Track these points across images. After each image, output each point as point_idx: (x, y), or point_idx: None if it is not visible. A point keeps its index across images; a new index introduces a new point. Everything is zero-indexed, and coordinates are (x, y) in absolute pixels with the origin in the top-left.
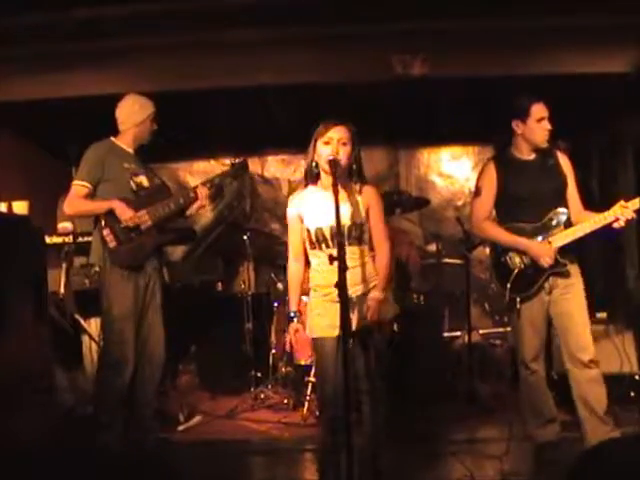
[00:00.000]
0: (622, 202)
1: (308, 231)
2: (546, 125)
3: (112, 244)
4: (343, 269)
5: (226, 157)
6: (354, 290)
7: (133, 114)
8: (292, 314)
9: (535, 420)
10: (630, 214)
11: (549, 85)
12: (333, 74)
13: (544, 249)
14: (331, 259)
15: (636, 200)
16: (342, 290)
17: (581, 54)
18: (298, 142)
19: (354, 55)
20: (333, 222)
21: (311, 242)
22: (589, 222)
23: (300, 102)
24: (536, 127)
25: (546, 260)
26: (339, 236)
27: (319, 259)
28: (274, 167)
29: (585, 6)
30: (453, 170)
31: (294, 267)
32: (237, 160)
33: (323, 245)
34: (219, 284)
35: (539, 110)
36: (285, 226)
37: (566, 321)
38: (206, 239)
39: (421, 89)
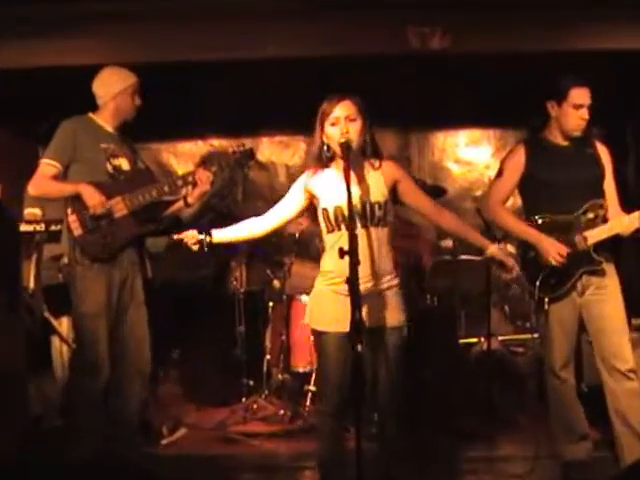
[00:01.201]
0: None
1: (325, 211)
2: (583, 114)
3: (77, 232)
4: (355, 264)
5: (215, 138)
6: (365, 284)
7: (110, 85)
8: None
9: (565, 436)
10: None
11: (583, 63)
12: (340, 47)
13: (555, 245)
14: (341, 253)
15: None
16: (353, 287)
17: (615, 29)
18: (297, 122)
19: (364, 26)
20: (354, 200)
21: (329, 223)
22: (627, 218)
23: (301, 78)
24: (572, 113)
25: (556, 258)
26: (351, 226)
27: (337, 243)
28: (270, 150)
29: None
30: (472, 156)
31: (256, 220)
32: (240, 147)
33: (342, 225)
34: (208, 281)
35: (579, 95)
36: None
37: (601, 325)
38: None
39: (438, 65)
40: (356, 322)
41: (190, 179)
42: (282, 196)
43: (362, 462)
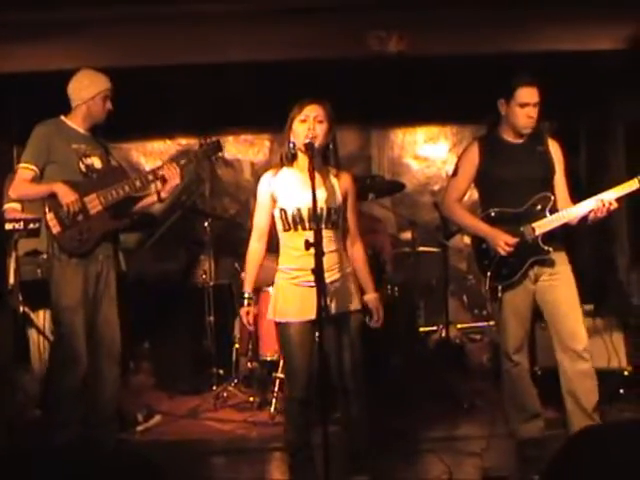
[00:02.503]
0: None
1: (284, 211)
2: (530, 112)
3: (55, 229)
4: (320, 255)
5: (183, 137)
6: (329, 275)
7: (82, 90)
8: (246, 295)
9: (518, 415)
10: (611, 204)
11: (536, 63)
12: (303, 51)
13: (502, 236)
14: (307, 244)
15: (619, 187)
16: (318, 276)
17: (568, 31)
18: (262, 122)
19: (326, 30)
20: (310, 203)
21: (286, 223)
22: (571, 209)
23: (266, 79)
24: (519, 111)
25: (504, 248)
26: (316, 221)
27: (293, 241)
28: (235, 148)
29: None
30: (429, 152)
31: (256, 247)
32: (209, 139)
33: (299, 227)
34: (178, 274)
35: (525, 94)
36: (248, 211)
37: (555, 309)
38: (162, 225)
39: (396, 67)
40: (322, 309)
41: (160, 173)
42: (247, 192)
43: (328, 444)
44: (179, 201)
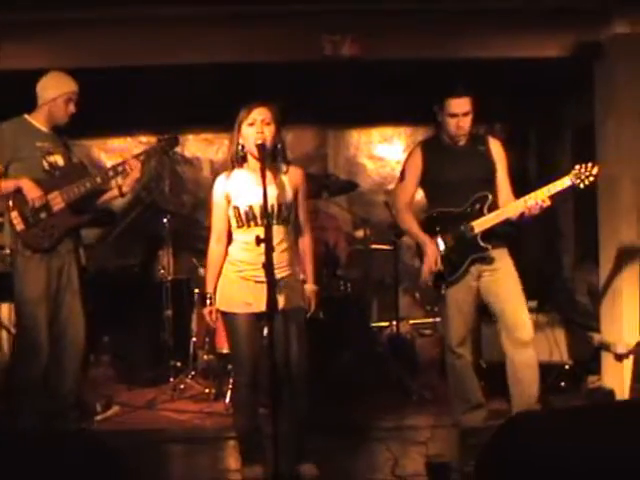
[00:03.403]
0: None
1: (237, 209)
2: (459, 122)
3: (19, 227)
4: (270, 250)
5: (143, 135)
6: (278, 271)
7: (46, 90)
8: (208, 295)
9: (461, 406)
10: (545, 201)
11: (488, 68)
12: (259, 54)
13: (432, 256)
14: (258, 240)
15: (553, 184)
16: (268, 272)
17: (519, 38)
18: (221, 121)
19: (283, 34)
20: (262, 201)
21: (239, 220)
22: (507, 207)
23: (225, 81)
24: (449, 121)
25: (430, 267)
26: (267, 218)
27: (245, 237)
28: (195, 146)
29: None
30: (384, 152)
31: (216, 249)
32: (166, 135)
33: (252, 223)
34: (137, 269)
35: (454, 105)
36: (207, 208)
37: (500, 302)
38: (122, 221)
39: (352, 69)
40: (271, 303)
41: (120, 169)
42: (206, 190)
43: (277, 432)
44: (139, 197)
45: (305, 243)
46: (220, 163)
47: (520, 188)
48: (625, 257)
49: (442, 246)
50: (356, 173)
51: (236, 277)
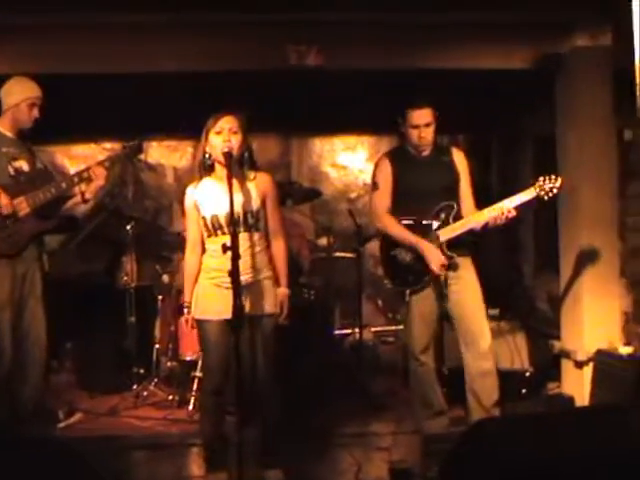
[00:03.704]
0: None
1: (204, 219)
2: (421, 133)
3: None
4: (236, 258)
5: (107, 141)
6: (245, 277)
7: (9, 95)
8: (186, 304)
9: (424, 412)
10: (512, 210)
11: (450, 79)
12: (226, 63)
13: (436, 256)
14: (224, 248)
15: (518, 196)
16: (234, 278)
17: (482, 50)
18: (185, 128)
19: (249, 43)
20: (228, 209)
21: (207, 229)
22: (473, 217)
23: (190, 88)
24: (411, 132)
25: (438, 268)
26: (233, 226)
27: (215, 246)
28: (159, 153)
29: (484, 2)
30: (347, 161)
31: (191, 259)
32: (131, 142)
33: (219, 232)
34: (100, 275)
35: (416, 117)
36: (169, 215)
37: (461, 311)
38: (85, 228)
39: (315, 78)
40: (237, 309)
41: (85, 175)
42: (170, 196)
43: (243, 439)
44: (102, 203)
45: (278, 248)
46: (184, 170)
47: (482, 198)
48: (585, 265)
49: (408, 254)
50: (319, 181)
51: (209, 284)
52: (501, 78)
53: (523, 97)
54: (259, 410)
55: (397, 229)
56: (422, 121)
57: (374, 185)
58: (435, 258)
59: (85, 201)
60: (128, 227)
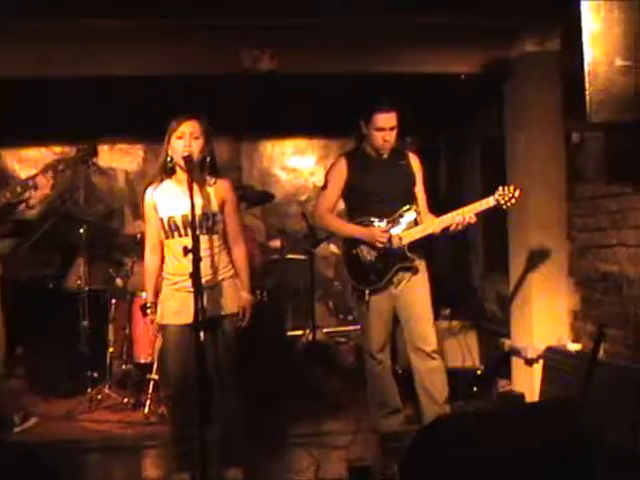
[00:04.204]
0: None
1: (161, 220)
2: (386, 136)
3: None
4: (197, 260)
5: (58, 145)
6: (206, 279)
7: None
8: (148, 304)
9: (380, 411)
10: (473, 216)
11: (400, 83)
12: (180, 67)
13: (377, 232)
14: (185, 250)
15: (480, 202)
16: (196, 281)
17: (431, 55)
18: (136, 132)
19: (203, 47)
20: (185, 211)
21: (165, 231)
22: (437, 220)
23: (141, 92)
24: (375, 135)
25: (380, 241)
26: (194, 229)
27: (172, 248)
28: (110, 157)
29: (434, 6)
30: (297, 164)
31: (150, 259)
32: (85, 145)
33: (175, 234)
34: (52, 280)
35: (381, 120)
36: (121, 219)
37: (409, 313)
38: (36, 232)
39: (265, 82)
40: (199, 311)
41: (30, 184)
42: (121, 200)
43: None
44: (53, 207)
45: (239, 254)
46: (135, 173)
47: (430, 200)
48: (534, 265)
49: (370, 253)
50: (270, 184)
51: (170, 290)
52: (449, 81)
53: (471, 100)
54: (222, 410)
55: (336, 224)
56: (387, 124)
57: (324, 184)
58: (373, 234)
59: (29, 207)
60: (81, 230)
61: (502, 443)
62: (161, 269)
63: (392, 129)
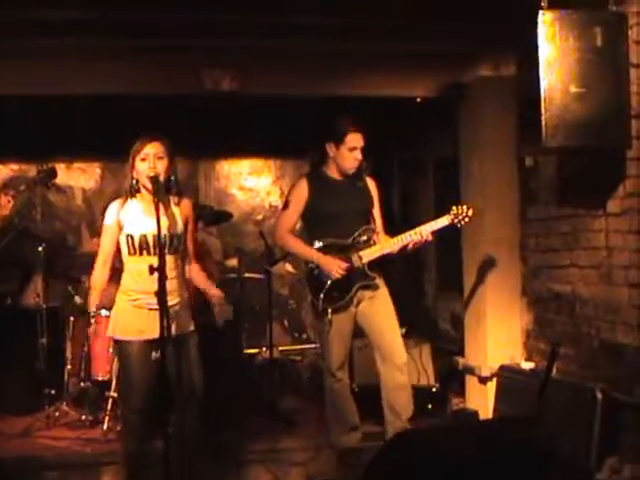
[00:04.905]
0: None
1: (130, 237)
2: (357, 155)
3: None
4: (164, 279)
5: (15, 163)
6: (170, 299)
7: None
8: (92, 313)
9: (339, 427)
10: (428, 235)
11: (355, 104)
12: (141, 87)
13: (333, 262)
14: (151, 269)
15: (435, 222)
16: (162, 299)
17: (388, 79)
18: (94, 150)
19: (164, 68)
20: (154, 230)
21: (132, 248)
22: (395, 239)
23: (100, 111)
24: (347, 155)
25: (337, 271)
26: (161, 248)
27: (137, 265)
28: (67, 175)
29: (389, 32)
30: (254, 184)
31: (101, 271)
32: (45, 166)
33: (145, 252)
34: (9, 297)
35: (353, 140)
36: (78, 236)
37: (377, 328)
38: None
39: (227, 102)
40: (164, 329)
41: None
42: (79, 217)
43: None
44: (11, 224)
45: (195, 268)
46: (92, 191)
47: (385, 221)
48: (488, 285)
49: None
50: (226, 203)
51: (129, 306)
52: (403, 103)
53: (425, 122)
54: (180, 427)
55: (296, 246)
56: (359, 143)
57: (285, 204)
58: (332, 265)
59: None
60: (40, 248)
61: (461, 457)
62: (108, 282)
63: (362, 149)
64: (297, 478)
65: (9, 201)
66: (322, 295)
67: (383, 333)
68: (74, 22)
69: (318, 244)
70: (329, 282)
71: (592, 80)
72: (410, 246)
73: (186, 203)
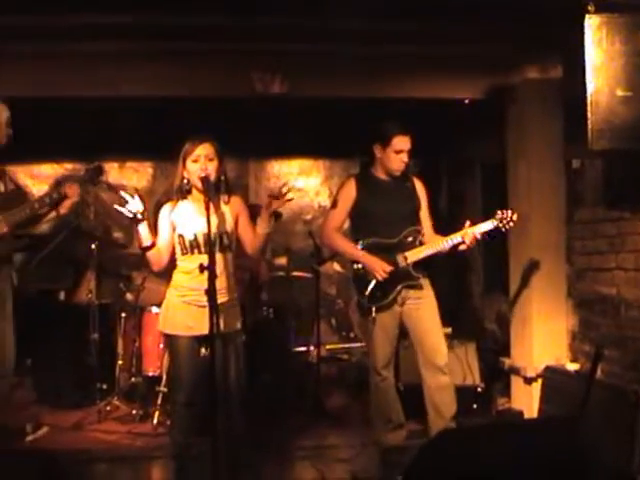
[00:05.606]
0: (468, 225)
1: (182, 237)
2: (403, 157)
3: None
4: (213, 277)
5: (69, 162)
6: (219, 297)
7: None
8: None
9: (384, 425)
10: (474, 238)
11: (403, 107)
12: (194, 89)
13: (379, 263)
14: (201, 267)
15: (480, 225)
16: (212, 297)
17: (435, 81)
18: (145, 150)
19: (214, 71)
20: (204, 230)
21: (184, 248)
22: (440, 241)
23: (153, 111)
24: (394, 157)
25: (380, 274)
26: (210, 247)
27: (188, 264)
28: (120, 174)
29: (439, 35)
30: (303, 183)
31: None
32: (92, 164)
33: (196, 251)
34: (62, 293)
35: (400, 142)
36: (129, 235)
37: (421, 328)
38: (48, 246)
39: (276, 103)
40: (213, 327)
41: (55, 196)
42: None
43: (217, 451)
44: (65, 221)
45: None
46: (144, 190)
47: (434, 222)
48: (534, 287)
49: None
50: None
51: (179, 302)
52: (451, 105)
53: (473, 124)
54: (229, 422)
55: (342, 245)
56: (406, 146)
57: (333, 203)
58: (376, 266)
59: (59, 216)
60: (92, 246)
61: (502, 456)
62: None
63: (409, 151)
64: (342, 475)
65: (77, 189)
66: (366, 294)
67: (426, 334)
68: (128, 26)
69: (363, 243)
70: (373, 281)
71: (638, 84)
72: (461, 247)
73: (236, 200)
